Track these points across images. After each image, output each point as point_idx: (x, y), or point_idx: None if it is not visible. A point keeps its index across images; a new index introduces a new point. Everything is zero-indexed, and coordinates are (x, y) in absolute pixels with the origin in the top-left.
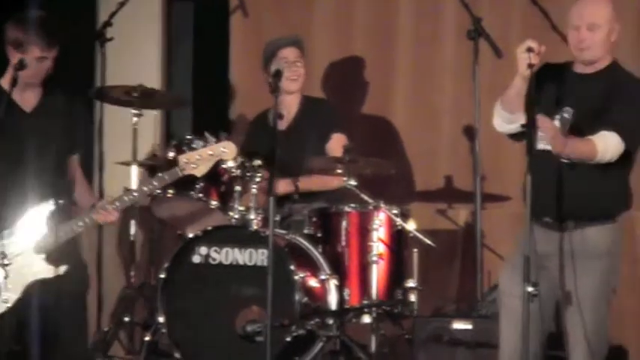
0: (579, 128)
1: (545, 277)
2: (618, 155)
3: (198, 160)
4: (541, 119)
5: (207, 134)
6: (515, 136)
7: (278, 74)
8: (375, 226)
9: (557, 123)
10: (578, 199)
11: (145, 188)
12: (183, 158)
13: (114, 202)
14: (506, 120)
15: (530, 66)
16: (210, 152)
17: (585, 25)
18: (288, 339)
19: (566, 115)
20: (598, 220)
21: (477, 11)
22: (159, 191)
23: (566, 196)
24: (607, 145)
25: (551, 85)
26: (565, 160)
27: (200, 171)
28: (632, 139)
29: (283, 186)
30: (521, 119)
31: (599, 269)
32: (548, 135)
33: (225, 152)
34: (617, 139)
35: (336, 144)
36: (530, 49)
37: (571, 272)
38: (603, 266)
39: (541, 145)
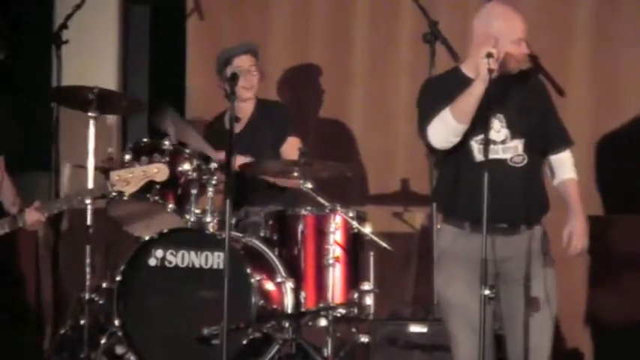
0: (513, 130)
1: (494, 283)
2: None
3: (129, 178)
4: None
5: (143, 157)
6: (436, 150)
7: (234, 78)
8: (331, 229)
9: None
10: (528, 202)
11: (74, 200)
12: (115, 175)
13: (42, 208)
14: (457, 133)
15: (490, 71)
16: (143, 172)
17: (524, 39)
18: (245, 342)
19: (499, 122)
20: (538, 222)
21: (434, 15)
22: (114, 194)
23: (518, 201)
24: (572, 164)
25: (454, 93)
26: (515, 165)
27: (129, 189)
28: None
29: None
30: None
31: (551, 267)
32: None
33: (158, 174)
34: (569, 154)
35: (291, 147)
36: (489, 55)
37: (540, 273)
38: (552, 264)
39: (480, 157)
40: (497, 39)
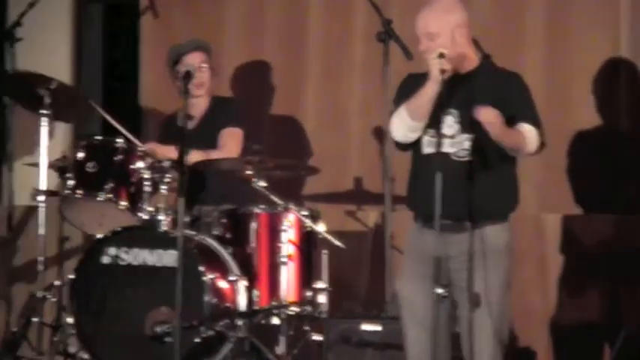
0: (463, 125)
1: (447, 281)
2: (536, 148)
3: None
4: (482, 108)
5: None
6: (405, 145)
7: (188, 76)
8: (284, 228)
9: (451, 125)
10: (475, 200)
11: None
12: None
13: None
14: (412, 129)
15: (442, 71)
16: None
17: (424, 35)
18: (197, 340)
19: (452, 118)
20: (494, 220)
21: (387, 13)
22: (67, 192)
23: (463, 197)
24: (530, 138)
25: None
26: (460, 160)
27: None
28: (542, 133)
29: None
30: (422, 127)
31: (500, 267)
32: (493, 121)
33: None
34: (534, 131)
35: (229, 135)
36: (442, 55)
37: (473, 272)
38: (504, 264)
39: (430, 149)
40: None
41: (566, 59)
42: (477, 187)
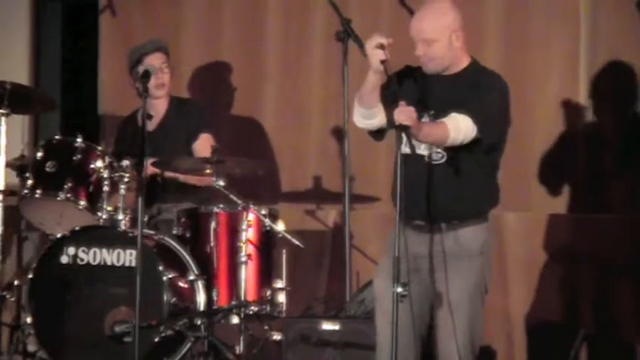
0: None
1: (419, 280)
2: (471, 138)
3: None
4: (401, 104)
5: None
6: (376, 134)
7: (147, 75)
8: (243, 227)
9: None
10: (449, 201)
11: None
12: None
13: None
14: (364, 115)
15: (382, 61)
16: None
17: (421, 41)
18: (157, 339)
19: (428, 119)
20: (470, 221)
21: (346, 12)
22: (26, 191)
23: (436, 198)
24: (458, 125)
25: (412, 87)
26: (434, 162)
27: None
28: (489, 126)
29: (150, 170)
30: (379, 114)
31: (473, 269)
32: (405, 118)
33: None
34: (468, 121)
35: (204, 143)
36: (381, 46)
37: (444, 274)
38: (477, 266)
39: (407, 149)
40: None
41: (523, 57)
42: (451, 189)
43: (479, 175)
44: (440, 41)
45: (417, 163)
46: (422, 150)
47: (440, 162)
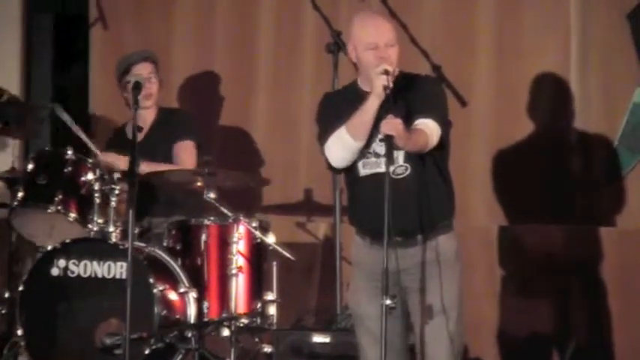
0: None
1: (397, 294)
2: (439, 138)
3: None
4: (389, 116)
5: None
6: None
7: (137, 87)
8: (234, 239)
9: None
10: (419, 213)
11: None
12: None
13: None
14: (352, 151)
15: (385, 88)
16: None
17: (384, 43)
18: (147, 352)
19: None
20: (441, 230)
21: (337, 24)
22: (17, 203)
23: (407, 211)
24: (431, 130)
25: (351, 109)
26: (399, 177)
27: None
28: (445, 126)
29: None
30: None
31: (455, 276)
32: (391, 129)
33: None
34: (433, 123)
35: (183, 149)
36: (386, 72)
37: (428, 284)
38: (457, 272)
39: (367, 170)
40: (355, 47)
41: (514, 69)
42: (420, 201)
43: (440, 182)
44: (396, 46)
45: (381, 181)
46: (384, 168)
47: (404, 175)
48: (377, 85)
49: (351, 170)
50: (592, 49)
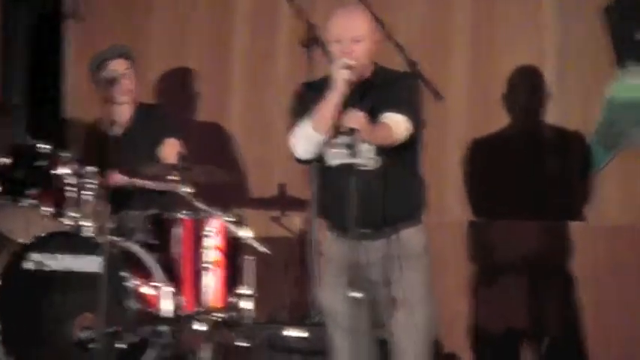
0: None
1: (366, 287)
2: (408, 134)
3: None
4: (352, 110)
5: None
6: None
7: (113, 82)
8: (209, 234)
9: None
10: (388, 205)
11: None
12: None
13: None
14: (315, 143)
15: (347, 82)
16: None
17: (349, 38)
18: (121, 346)
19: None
20: (410, 222)
21: (313, 19)
22: None
23: (375, 204)
24: (398, 124)
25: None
26: (368, 169)
27: None
28: (416, 121)
29: (118, 178)
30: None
31: (424, 268)
32: (355, 122)
33: None
34: (402, 117)
35: (169, 148)
36: (348, 66)
37: (397, 276)
38: (426, 265)
39: (337, 161)
40: (327, 40)
41: (490, 64)
42: (388, 193)
43: (410, 176)
44: (365, 41)
45: (349, 172)
46: (355, 159)
47: (373, 168)
48: (337, 79)
49: (320, 161)
50: (568, 45)
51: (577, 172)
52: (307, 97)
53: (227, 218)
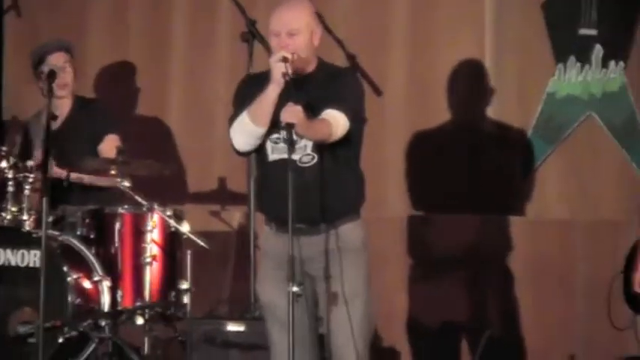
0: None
1: (305, 282)
2: (345, 131)
3: None
4: (289, 104)
5: None
6: (242, 152)
7: (52, 75)
8: (148, 228)
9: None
10: (325, 201)
11: None
12: None
13: None
14: (253, 135)
15: (284, 75)
16: None
17: (285, 32)
18: (61, 340)
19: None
20: (347, 217)
21: (252, 14)
22: None
23: (312, 199)
24: (337, 121)
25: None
26: (305, 165)
27: None
28: (356, 117)
29: (55, 171)
30: (263, 133)
31: (361, 263)
32: (292, 117)
33: None
34: (341, 114)
35: (109, 145)
36: (285, 59)
37: (334, 271)
38: (363, 260)
39: (275, 155)
40: (268, 35)
41: (429, 59)
42: (327, 189)
43: (348, 172)
44: (303, 34)
45: (289, 167)
46: (293, 154)
47: (310, 164)
48: (274, 73)
49: (260, 155)
50: (507, 40)
51: (517, 166)
52: (249, 89)
53: (166, 212)
